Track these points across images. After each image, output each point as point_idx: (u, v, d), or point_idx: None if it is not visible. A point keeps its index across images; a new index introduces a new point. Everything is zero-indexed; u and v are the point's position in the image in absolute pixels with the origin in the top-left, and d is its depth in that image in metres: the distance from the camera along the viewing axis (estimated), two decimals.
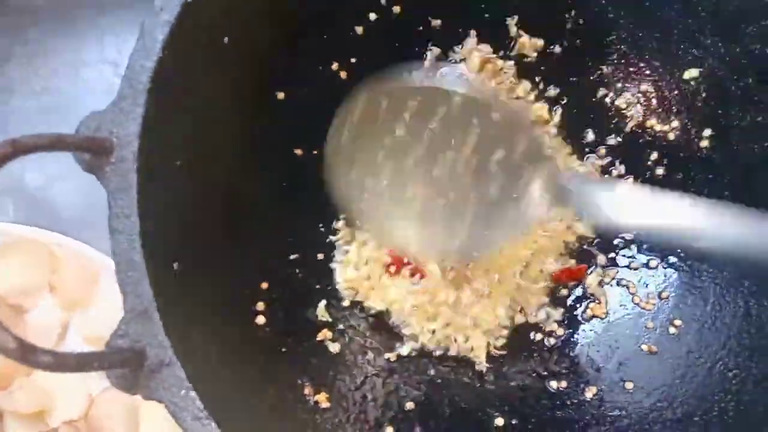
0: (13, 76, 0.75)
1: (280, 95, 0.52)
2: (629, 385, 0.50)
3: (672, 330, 0.52)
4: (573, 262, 0.56)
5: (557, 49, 0.57)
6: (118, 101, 0.36)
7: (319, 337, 0.50)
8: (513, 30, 0.57)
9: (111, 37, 0.77)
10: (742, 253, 0.39)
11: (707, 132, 0.54)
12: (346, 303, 0.54)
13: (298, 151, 0.53)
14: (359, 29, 0.54)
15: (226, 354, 0.38)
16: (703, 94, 0.54)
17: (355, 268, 0.56)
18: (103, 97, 0.74)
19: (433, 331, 0.55)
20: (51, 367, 0.27)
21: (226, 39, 0.43)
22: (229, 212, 0.45)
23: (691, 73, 0.54)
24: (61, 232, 0.66)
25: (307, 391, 0.45)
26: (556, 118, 0.58)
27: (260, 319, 0.46)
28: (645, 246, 0.55)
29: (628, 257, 0.56)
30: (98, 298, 0.66)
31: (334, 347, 0.51)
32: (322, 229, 0.55)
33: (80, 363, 0.29)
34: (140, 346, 0.33)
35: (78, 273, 0.66)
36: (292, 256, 0.52)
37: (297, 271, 0.52)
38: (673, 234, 0.42)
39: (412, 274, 0.56)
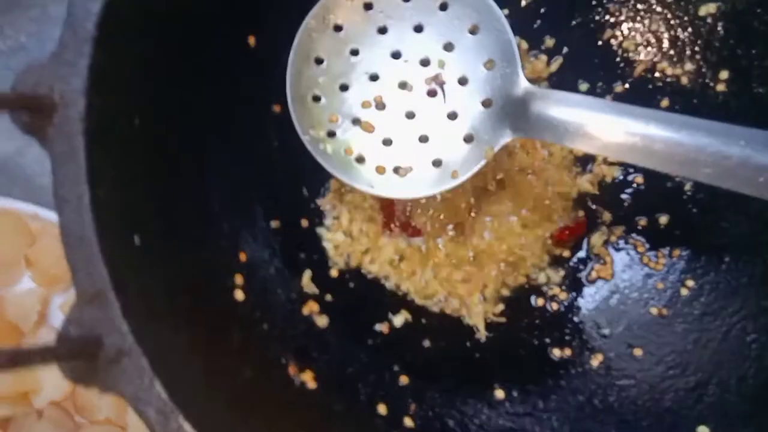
0: None
1: (252, 41, 0.47)
2: (638, 352, 0.47)
3: (684, 291, 0.48)
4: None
5: None
6: (59, 51, 0.32)
7: (305, 311, 0.47)
8: None
9: None
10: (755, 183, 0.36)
11: (724, 74, 0.49)
12: (333, 272, 0.50)
13: (276, 107, 0.49)
14: None
15: (196, 337, 0.34)
16: (721, 32, 0.49)
17: (344, 232, 0.52)
18: None
19: (430, 296, 0.52)
20: None
21: None
22: (199, 176, 0.41)
23: (708, 9, 0.49)
24: (36, 202, 0.63)
25: (291, 370, 0.42)
26: (554, 67, 0.53)
27: (239, 295, 0.42)
28: (654, 201, 0.51)
29: (635, 213, 0.52)
30: None
31: (322, 321, 0.47)
32: (306, 194, 0.51)
33: (16, 359, 0.25)
34: (95, 333, 0.30)
35: (56, 246, 0.62)
36: (273, 224, 0.48)
37: (279, 239, 0.48)
38: (675, 161, 0.38)
39: (405, 230, 0.53)
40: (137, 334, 0.30)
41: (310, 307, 0.47)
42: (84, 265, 0.30)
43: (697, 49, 0.50)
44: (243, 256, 0.45)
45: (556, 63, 0.53)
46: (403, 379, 0.47)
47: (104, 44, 0.32)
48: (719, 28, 0.48)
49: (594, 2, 0.52)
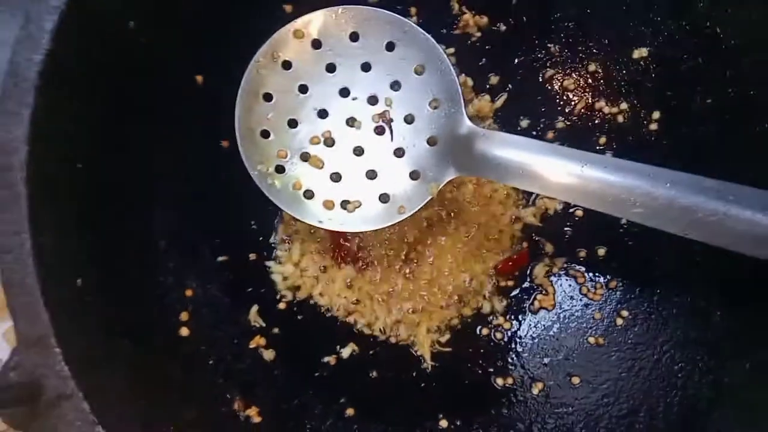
0: None
1: (199, 79, 0.48)
2: (576, 380, 0.49)
3: (619, 321, 0.50)
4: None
5: (502, 27, 0.54)
6: (1, 101, 0.32)
7: (252, 344, 0.48)
8: (456, 7, 0.54)
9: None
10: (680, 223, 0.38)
11: (656, 114, 0.52)
12: (282, 306, 0.51)
13: (225, 143, 0.49)
14: (288, 7, 0.50)
15: (138, 378, 0.35)
16: (653, 75, 0.52)
17: (293, 264, 0.53)
18: None
19: (378, 326, 0.53)
20: None
21: (131, 23, 0.39)
22: (146, 215, 0.42)
23: (640, 52, 0.52)
24: None
25: (236, 405, 0.42)
26: (499, 103, 0.55)
27: (184, 331, 0.43)
28: (593, 233, 0.53)
29: (576, 245, 0.54)
30: None
31: (269, 354, 0.48)
32: (255, 228, 0.52)
33: None
34: (36, 378, 0.30)
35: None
36: (221, 259, 0.49)
37: (227, 274, 0.49)
38: (608, 201, 0.41)
39: (355, 262, 0.54)
40: (78, 378, 0.31)
41: (257, 341, 0.48)
42: (25, 312, 0.31)
43: (631, 90, 0.53)
44: (189, 292, 0.45)
45: (501, 100, 0.55)
46: (350, 411, 0.48)
47: (47, 92, 0.32)
48: (651, 71, 0.51)
49: (536, 42, 0.54)
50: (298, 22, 0.48)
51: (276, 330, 0.49)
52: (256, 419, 0.43)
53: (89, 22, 0.34)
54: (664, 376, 0.46)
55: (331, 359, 0.50)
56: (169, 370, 0.39)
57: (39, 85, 0.32)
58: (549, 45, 0.54)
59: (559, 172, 0.42)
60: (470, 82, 0.55)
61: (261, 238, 0.52)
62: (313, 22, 0.48)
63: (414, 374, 0.50)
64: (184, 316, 0.43)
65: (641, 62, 0.51)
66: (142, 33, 0.39)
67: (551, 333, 0.52)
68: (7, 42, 0.68)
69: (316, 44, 0.48)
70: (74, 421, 0.30)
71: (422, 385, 0.50)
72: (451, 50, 0.54)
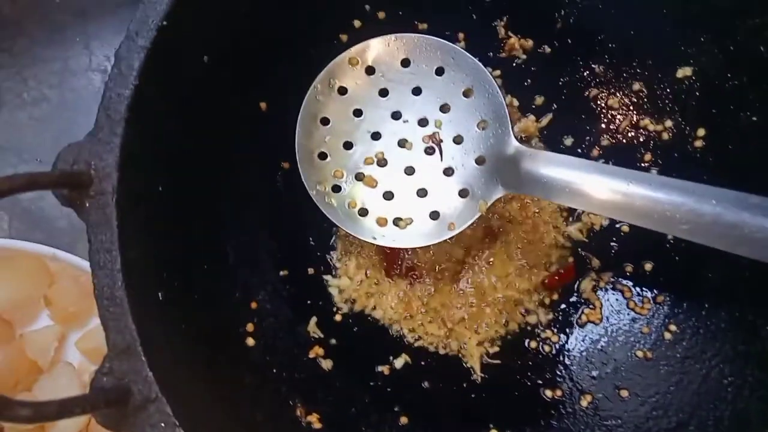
0: (2, 88, 0.74)
1: (263, 105, 0.52)
2: (624, 393, 0.50)
3: (667, 335, 0.51)
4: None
5: (547, 49, 0.56)
6: (95, 132, 0.36)
7: (311, 354, 0.50)
8: (502, 32, 0.56)
9: (97, 42, 0.76)
10: (726, 239, 0.39)
11: (701, 132, 0.53)
12: (338, 318, 0.54)
13: (285, 164, 0.52)
14: (344, 37, 0.53)
15: (214, 384, 0.38)
16: (697, 93, 0.53)
17: (349, 277, 0.56)
18: (92, 105, 0.74)
19: (429, 338, 0.55)
20: (31, 419, 0.27)
21: (206, 58, 0.43)
22: (216, 233, 0.45)
23: (684, 71, 0.53)
24: (56, 244, 0.66)
25: (298, 412, 0.45)
26: (544, 122, 0.57)
27: (250, 341, 0.46)
28: (640, 248, 0.54)
29: (623, 260, 0.55)
30: (95, 311, 0.66)
31: (327, 364, 0.51)
32: (313, 243, 0.55)
33: (62, 410, 0.29)
34: (125, 383, 0.33)
35: (74, 287, 0.66)
36: (282, 273, 0.52)
37: (287, 287, 0.52)
38: (654, 218, 0.41)
39: (406, 276, 0.56)
40: (162, 384, 0.34)
41: (316, 351, 0.51)
42: (115, 323, 0.34)
43: (676, 107, 0.54)
44: (254, 305, 0.48)
45: (546, 119, 0.57)
46: (404, 419, 0.50)
47: (134, 124, 0.36)
48: (695, 90, 0.52)
49: (580, 62, 0.56)
50: (353, 51, 0.51)
51: (333, 341, 0.52)
52: (317, 425, 0.45)
53: (170, 59, 0.38)
54: (713, 390, 0.47)
55: (384, 369, 0.52)
56: (240, 377, 0.42)
57: (128, 117, 0.36)
58: (593, 65, 0.56)
59: (604, 190, 0.43)
60: (516, 102, 0.57)
61: (319, 254, 0.55)
62: (367, 50, 0.51)
63: (464, 385, 0.52)
64: (249, 327, 0.46)
65: (685, 81, 0.52)
66: (215, 66, 0.42)
67: (599, 346, 0.53)
68: (79, 70, 0.74)
69: (370, 70, 0.51)
70: (158, 423, 0.33)
71: (472, 395, 0.52)
72: (498, 72, 0.57)
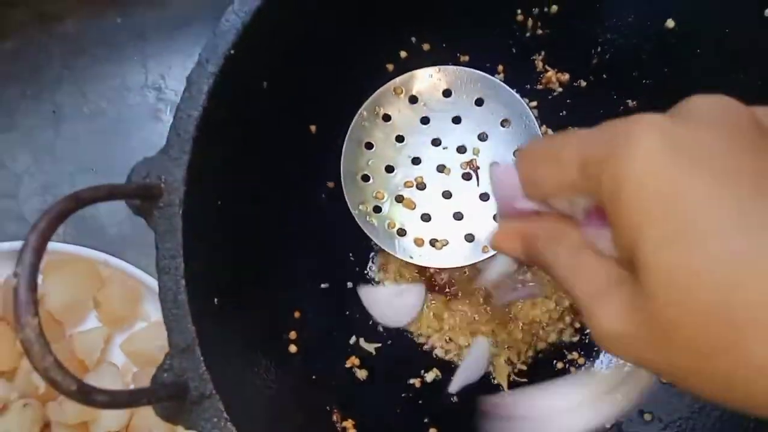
0: (63, 102, 0.79)
1: (312, 128, 0.55)
2: (648, 417, 0.51)
3: None
4: None
5: (582, 83, 0.59)
6: (166, 149, 0.39)
7: (348, 364, 0.53)
8: (539, 66, 0.59)
9: (153, 63, 0.81)
10: None
11: None
12: (380, 329, 0.56)
13: (330, 184, 0.56)
14: (390, 66, 0.56)
15: (259, 385, 0.41)
16: None
17: None
18: (147, 121, 0.79)
19: (460, 353, 0.57)
20: (107, 405, 0.30)
21: (265, 84, 0.46)
22: (264, 246, 0.48)
23: None
24: (106, 250, 0.70)
25: (335, 417, 0.48)
26: None
27: (292, 348, 0.49)
28: None
29: None
30: (140, 315, 0.70)
31: (362, 374, 0.53)
32: (352, 259, 0.58)
33: (132, 399, 0.32)
34: (183, 380, 0.36)
35: (122, 291, 0.70)
36: (323, 285, 0.55)
37: (328, 299, 0.55)
38: None
39: (442, 295, 0.59)
40: (216, 382, 0.36)
41: (352, 361, 0.53)
42: (177, 324, 0.37)
43: None
44: (297, 314, 0.51)
45: None
46: (432, 431, 0.52)
47: (201, 143, 0.39)
48: None
49: (615, 97, 0.58)
50: (398, 81, 0.54)
51: (369, 352, 0.55)
52: (352, 431, 0.48)
53: (235, 84, 0.41)
54: (736, 418, 0.48)
55: (416, 382, 0.54)
56: (284, 380, 0.45)
57: (196, 137, 0.39)
58: (627, 101, 0.58)
59: None
60: (551, 132, 0.60)
61: (357, 269, 0.58)
62: (411, 80, 0.54)
63: (491, 402, 0.54)
64: (292, 335, 0.49)
65: None
66: (272, 91, 0.46)
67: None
68: (135, 87, 0.79)
69: (413, 99, 0.54)
70: (212, 417, 0.36)
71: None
72: (534, 103, 0.59)
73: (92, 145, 0.79)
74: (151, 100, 0.80)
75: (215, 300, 0.40)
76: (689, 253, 0.22)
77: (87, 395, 0.29)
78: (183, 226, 0.38)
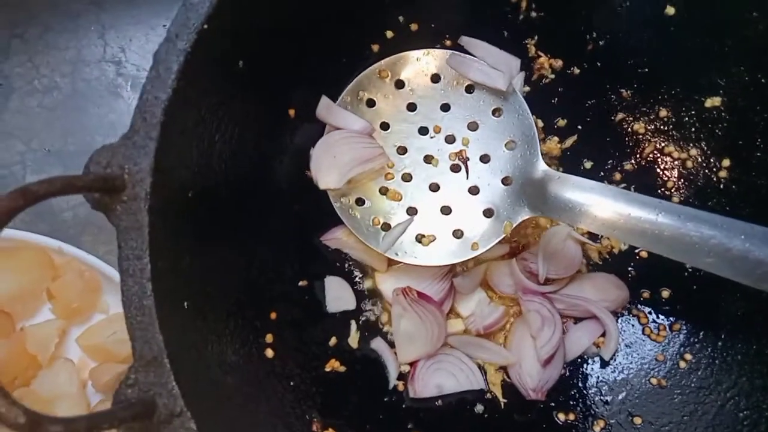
0: (13, 74, 0.73)
1: (291, 113, 0.51)
2: (638, 420, 0.50)
3: (682, 364, 0.51)
4: None
5: (576, 70, 0.56)
6: (130, 134, 0.35)
7: (327, 367, 0.50)
8: (532, 50, 0.56)
9: (112, 34, 0.74)
10: (752, 275, 0.39)
11: (726, 162, 0.53)
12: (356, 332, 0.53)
13: (309, 173, 0.52)
14: (375, 47, 0.52)
15: (236, 397, 0.37)
16: (724, 124, 0.53)
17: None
18: (105, 97, 0.73)
19: None
20: None
21: (241, 63, 0.42)
22: (241, 244, 0.44)
23: (713, 101, 0.52)
24: (60, 236, 0.65)
25: (314, 427, 0.44)
26: (568, 143, 0.57)
27: (269, 353, 0.45)
28: (657, 275, 0.54)
29: (640, 286, 0.55)
30: (98, 307, 0.66)
31: (343, 378, 0.50)
32: (331, 254, 0.54)
33: (91, 426, 0.28)
34: (150, 396, 0.32)
35: (78, 281, 0.65)
36: (301, 283, 0.51)
37: (306, 298, 0.51)
38: (680, 249, 0.41)
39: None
40: (187, 398, 0.33)
41: (332, 365, 0.50)
42: (142, 333, 0.33)
43: (702, 136, 0.54)
44: (273, 315, 0.47)
45: (570, 140, 0.57)
46: None
47: (170, 128, 0.35)
48: (723, 120, 0.52)
49: (608, 86, 0.56)
50: (383, 63, 0.50)
51: (349, 355, 0.51)
52: None
53: (208, 63, 0.37)
54: (728, 422, 0.47)
55: (399, 385, 0.51)
56: (262, 390, 0.42)
57: (164, 121, 0.35)
58: (621, 90, 0.55)
59: (632, 220, 0.43)
60: (541, 123, 0.57)
61: (338, 264, 0.54)
62: (398, 63, 0.50)
63: (477, 406, 0.52)
64: (269, 338, 0.46)
65: (713, 111, 0.52)
66: (248, 72, 0.41)
67: (613, 372, 0.53)
68: (93, 60, 0.73)
69: (400, 84, 0.50)
70: None
71: (485, 416, 0.51)
72: (527, 88, 0.56)
73: (45, 123, 0.72)
74: (110, 74, 0.74)
75: (185, 304, 0.36)
76: None
77: (37, 427, 0.25)
78: (149, 222, 0.34)
